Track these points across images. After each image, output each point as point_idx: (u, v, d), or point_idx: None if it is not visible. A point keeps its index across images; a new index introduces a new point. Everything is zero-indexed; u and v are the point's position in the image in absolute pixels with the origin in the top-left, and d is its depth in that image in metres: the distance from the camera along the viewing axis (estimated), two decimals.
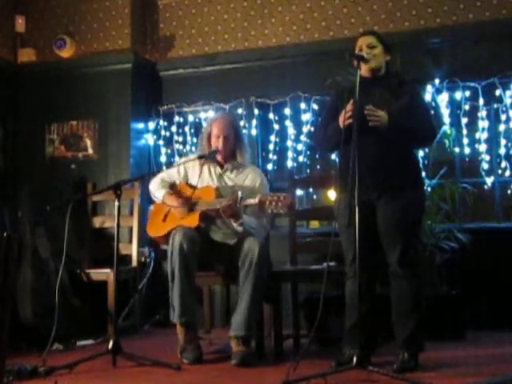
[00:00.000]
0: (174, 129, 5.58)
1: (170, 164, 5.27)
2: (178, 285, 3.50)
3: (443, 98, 4.82)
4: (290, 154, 5.23)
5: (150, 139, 5.64)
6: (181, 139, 5.57)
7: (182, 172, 3.94)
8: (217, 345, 3.98)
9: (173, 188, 3.89)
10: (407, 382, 2.78)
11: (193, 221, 3.67)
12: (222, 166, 3.91)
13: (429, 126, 3.36)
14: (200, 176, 3.81)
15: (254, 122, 5.39)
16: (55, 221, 4.25)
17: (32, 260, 4.27)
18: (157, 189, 3.88)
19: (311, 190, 5.08)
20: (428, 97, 4.80)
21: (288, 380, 2.78)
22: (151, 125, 5.63)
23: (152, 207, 4.03)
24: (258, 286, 3.49)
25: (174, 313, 3.56)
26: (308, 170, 5.24)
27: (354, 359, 2.89)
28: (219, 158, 3.89)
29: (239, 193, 3.55)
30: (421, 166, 3.64)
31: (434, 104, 4.82)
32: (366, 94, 3.13)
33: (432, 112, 4.54)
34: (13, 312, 3.95)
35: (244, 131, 5.25)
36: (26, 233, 4.40)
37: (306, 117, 5.17)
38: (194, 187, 3.72)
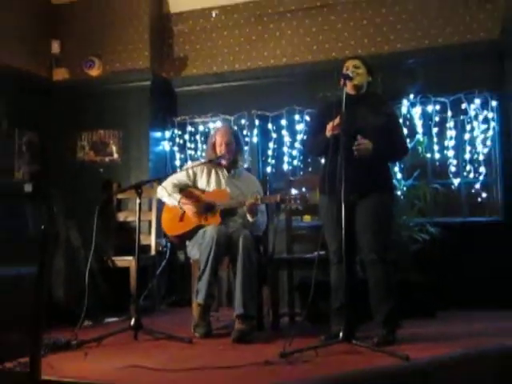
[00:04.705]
0: (186, 137, 5.57)
1: (182, 167, 5.27)
2: (208, 273, 3.45)
3: (417, 111, 4.82)
4: (286, 158, 5.23)
5: (166, 146, 5.63)
6: (193, 146, 5.58)
7: (192, 175, 3.91)
8: (223, 322, 3.97)
9: (183, 191, 3.84)
10: (386, 353, 2.78)
11: (215, 220, 3.66)
12: (228, 170, 3.91)
13: (401, 145, 3.37)
14: (211, 177, 3.86)
15: (255, 131, 5.39)
16: (86, 215, 4.25)
17: (65, 249, 4.26)
18: (170, 193, 3.81)
19: (304, 189, 5.06)
20: (404, 110, 4.80)
21: (284, 352, 2.78)
22: (167, 133, 5.63)
23: (164, 209, 3.92)
24: (247, 271, 3.45)
25: (198, 294, 3.52)
26: (301, 172, 5.24)
27: (341, 334, 2.89)
28: (224, 162, 3.88)
29: (258, 195, 3.65)
30: (392, 173, 3.65)
31: (409, 116, 4.82)
32: (350, 110, 3.09)
33: (406, 128, 4.56)
34: (49, 295, 3.94)
35: (246, 139, 5.28)
36: (60, 226, 4.39)
37: (299, 127, 5.16)
38: (203, 191, 3.78)
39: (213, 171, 3.90)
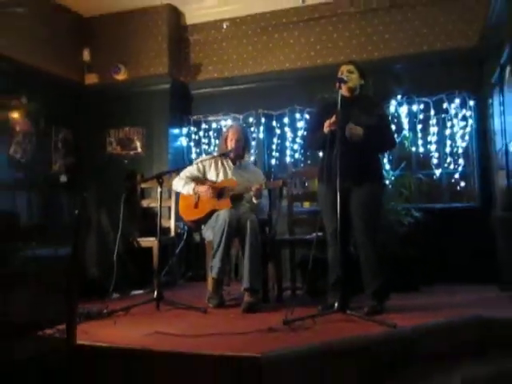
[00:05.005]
0: (201, 133, 5.57)
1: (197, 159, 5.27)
2: (221, 251, 3.45)
3: (403, 110, 4.80)
4: (288, 152, 5.22)
5: (183, 141, 5.63)
6: (206, 141, 5.57)
7: (202, 169, 3.89)
8: (233, 295, 3.98)
9: (196, 181, 3.82)
10: (376, 322, 2.78)
11: (226, 204, 3.65)
12: (234, 162, 3.89)
13: (390, 139, 3.33)
14: (218, 169, 3.85)
15: (261, 128, 5.38)
16: (114, 202, 4.26)
17: (97, 233, 4.27)
18: (184, 183, 3.79)
19: (304, 179, 5.07)
20: (392, 109, 4.78)
21: (287, 320, 2.79)
22: (184, 130, 5.63)
23: (180, 198, 3.90)
24: (253, 250, 3.44)
25: (212, 270, 3.52)
26: (302, 164, 5.22)
27: (336, 305, 2.90)
28: (231, 155, 3.87)
29: (263, 181, 3.66)
30: (382, 164, 3.62)
31: (396, 114, 4.80)
32: (345, 110, 3.07)
33: (393, 125, 4.55)
34: (83, 272, 3.97)
35: (253, 135, 5.27)
36: (92, 211, 4.40)
37: (300, 124, 5.15)
38: (214, 182, 3.75)
39: (220, 164, 3.88)
